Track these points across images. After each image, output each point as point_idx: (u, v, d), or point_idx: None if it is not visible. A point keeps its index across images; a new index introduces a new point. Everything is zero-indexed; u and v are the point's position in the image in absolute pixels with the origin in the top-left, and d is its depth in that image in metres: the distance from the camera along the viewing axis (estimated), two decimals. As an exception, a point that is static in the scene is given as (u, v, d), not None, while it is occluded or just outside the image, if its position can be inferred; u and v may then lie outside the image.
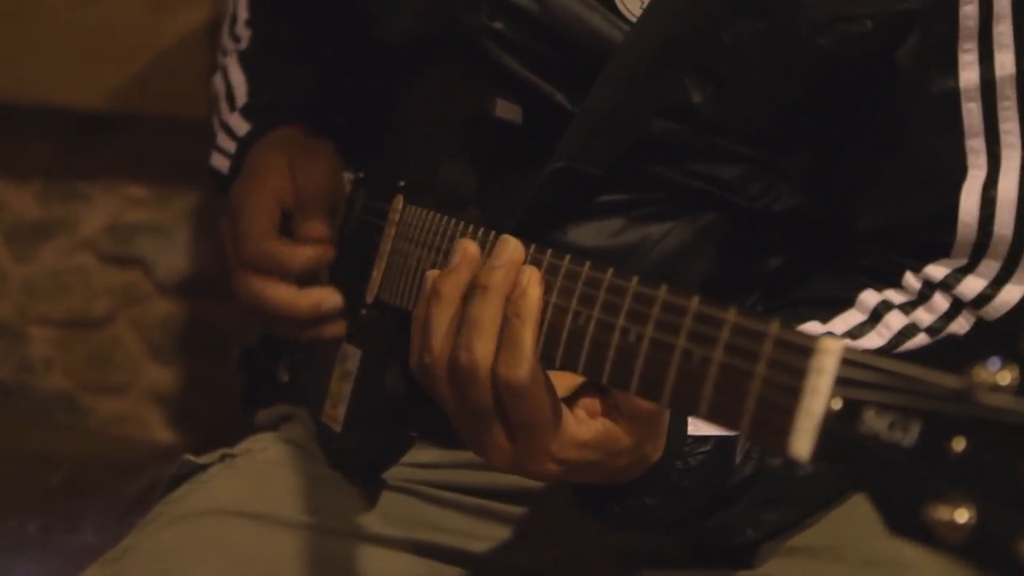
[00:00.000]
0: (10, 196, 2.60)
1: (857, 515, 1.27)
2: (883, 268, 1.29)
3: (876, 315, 1.27)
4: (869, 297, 1.28)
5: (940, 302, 1.26)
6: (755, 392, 0.86)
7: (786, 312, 1.29)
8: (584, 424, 1.06)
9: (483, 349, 1.03)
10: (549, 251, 1.07)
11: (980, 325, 1.27)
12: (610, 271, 1.01)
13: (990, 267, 1.25)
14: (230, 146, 1.58)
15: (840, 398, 0.80)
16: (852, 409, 0.79)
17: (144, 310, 2.59)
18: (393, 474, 1.41)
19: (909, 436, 0.76)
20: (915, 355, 0.78)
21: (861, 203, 1.30)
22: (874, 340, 1.26)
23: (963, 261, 1.25)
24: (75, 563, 1.43)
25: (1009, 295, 1.25)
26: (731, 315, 0.90)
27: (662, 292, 0.96)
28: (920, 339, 1.26)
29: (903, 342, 1.26)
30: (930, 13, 1.21)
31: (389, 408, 1.34)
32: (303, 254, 1.43)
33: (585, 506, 1.18)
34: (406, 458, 1.40)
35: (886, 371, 0.78)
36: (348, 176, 1.48)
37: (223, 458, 1.45)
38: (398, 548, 1.39)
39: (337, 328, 1.42)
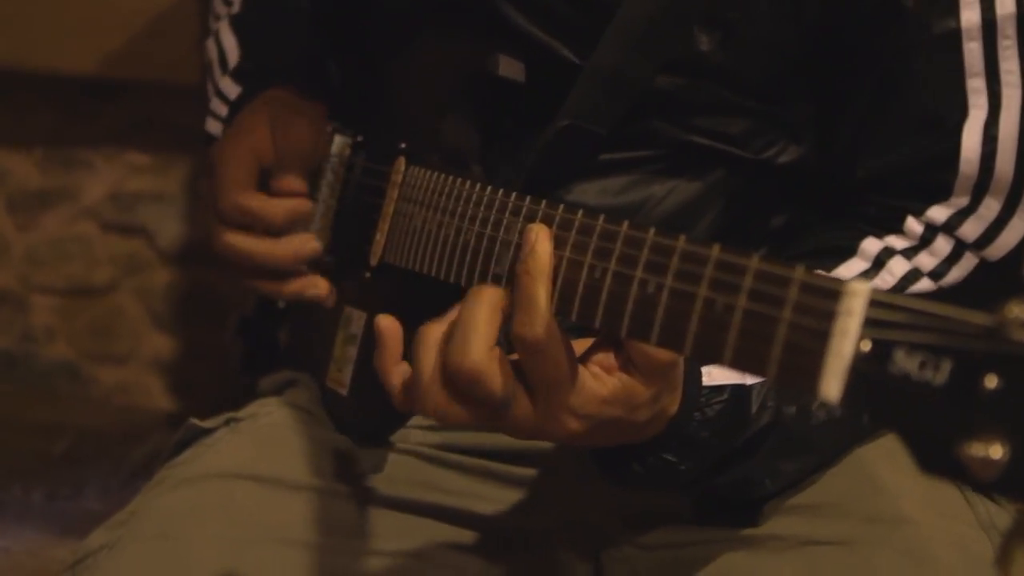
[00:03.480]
0: (12, 164, 2.59)
1: (858, 473, 1.28)
2: (884, 215, 1.30)
3: (879, 262, 1.28)
4: (871, 245, 1.28)
5: (942, 245, 1.27)
6: (781, 337, 0.85)
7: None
8: (601, 379, 1.06)
9: (480, 349, 1.03)
10: (561, 207, 1.07)
11: (983, 266, 1.27)
12: (625, 223, 1.01)
13: (991, 207, 1.25)
14: (223, 110, 1.57)
15: (869, 339, 0.79)
16: (882, 350, 0.78)
17: (146, 278, 2.59)
18: (398, 437, 1.41)
19: (940, 375, 0.75)
20: (944, 294, 0.78)
21: (863, 149, 1.31)
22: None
23: (964, 201, 1.26)
24: (79, 530, 1.43)
25: (1011, 235, 1.26)
26: (754, 262, 0.90)
27: (680, 242, 0.96)
28: (924, 284, 1.27)
29: (906, 287, 1.26)
30: None
31: None
32: (279, 206, 1.41)
33: (605, 470, 1.18)
34: (412, 421, 1.39)
35: (915, 311, 0.77)
36: (346, 140, 1.47)
37: (228, 422, 1.45)
38: (404, 510, 1.39)
39: (318, 287, 1.41)
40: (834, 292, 0.82)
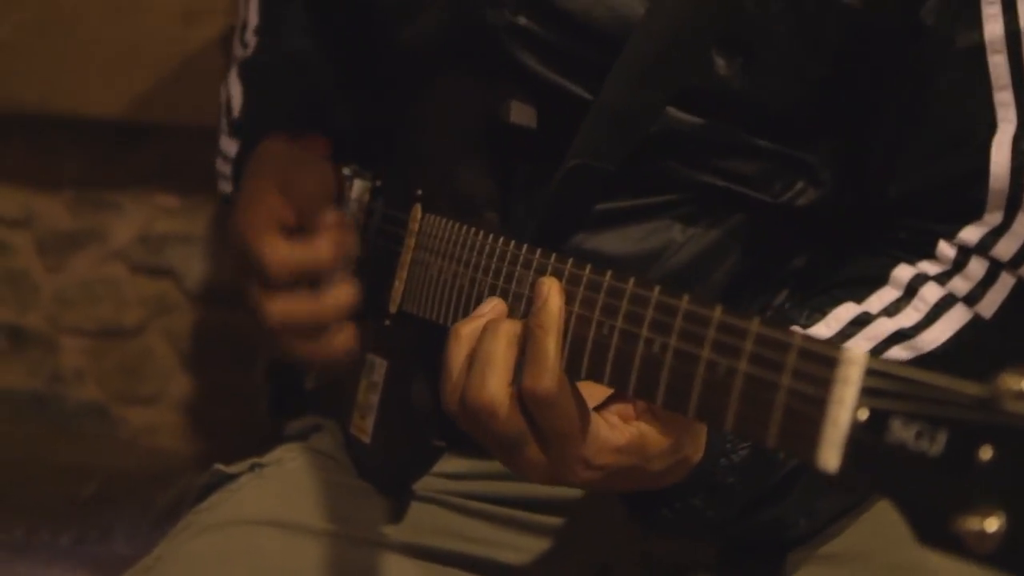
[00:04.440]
0: (42, 207, 2.61)
1: (883, 521, 1.26)
2: (915, 240, 1.28)
3: (911, 290, 1.26)
4: (903, 272, 1.27)
5: (976, 268, 1.25)
6: (781, 403, 0.85)
7: (821, 297, 1.28)
8: (617, 429, 1.06)
9: (497, 384, 1.04)
10: (570, 260, 1.07)
11: (1021, 286, 1.25)
12: (631, 281, 1.01)
13: None
14: (227, 169, 1.58)
15: (866, 408, 0.79)
16: (879, 419, 0.79)
17: (175, 320, 2.60)
18: (421, 485, 1.41)
19: (936, 445, 0.75)
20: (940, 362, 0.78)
21: (891, 173, 1.29)
22: (911, 316, 1.25)
23: (998, 219, 1.24)
24: (107, 574, 1.43)
25: None
26: (754, 325, 0.90)
27: (684, 302, 0.96)
28: (958, 310, 1.25)
29: (940, 314, 1.25)
30: None
31: (416, 419, 1.35)
32: (324, 244, 1.35)
33: (635, 513, 1.18)
34: (434, 468, 1.39)
35: (911, 380, 0.77)
36: (365, 185, 1.47)
37: (253, 468, 1.45)
38: (427, 558, 1.39)
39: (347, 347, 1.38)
40: (831, 359, 0.82)
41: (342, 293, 1.35)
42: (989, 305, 1.25)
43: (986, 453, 0.73)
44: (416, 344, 1.35)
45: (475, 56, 1.34)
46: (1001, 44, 1.21)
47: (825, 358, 0.83)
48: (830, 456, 0.81)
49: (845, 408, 0.80)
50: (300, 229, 1.38)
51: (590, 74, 1.28)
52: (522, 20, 1.31)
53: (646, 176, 1.32)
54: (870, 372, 0.80)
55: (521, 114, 1.31)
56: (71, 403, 2.64)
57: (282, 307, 1.35)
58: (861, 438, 0.79)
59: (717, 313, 0.93)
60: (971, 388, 0.74)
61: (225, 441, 2.56)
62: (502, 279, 1.15)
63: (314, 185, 1.41)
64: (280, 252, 1.36)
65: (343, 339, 1.35)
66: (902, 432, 0.77)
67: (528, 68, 1.31)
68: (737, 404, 0.89)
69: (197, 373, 2.60)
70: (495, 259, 1.17)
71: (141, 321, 2.61)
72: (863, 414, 0.79)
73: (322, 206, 1.40)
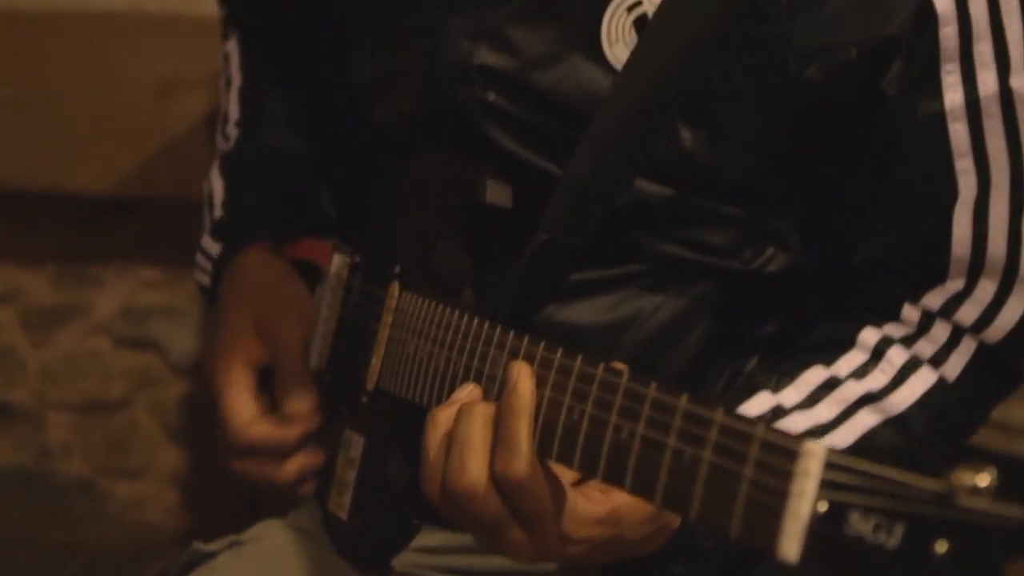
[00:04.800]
0: (25, 282, 2.61)
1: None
2: (881, 303, 1.29)
3: (878, 352, 1.27)
4: (869, 335, 1.28)
5: (940, 331, 1.27)
6: (744, 494, 0.87)
7: (790, 361, 1.29)
8: (595, 501, 1.07)
9: (477, 468, 1.05)
10: (543, 344, 1.08)
11: (983, 350, 1.27)
12: (601, 367, 1.03)
13: (986, 289, 1.25)
14: (208, 266, 1.61)
15: (826, 500, 0.81)
16: (838, 511, 0.80)
17: (160, 392, 2.60)
18: (400, 560, 1.42)
19: (893, 538, 0.77)
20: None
21: (856, 240, 1.30)
22: (879, 378, 1.26)
23: (959, 285, 1.26)
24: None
25: (1009, 315, 1.26)
26: (718, 415, 0.91)
27: (651, 390, 0.97)
28: (924, 372, 1.27)
29: (907, 376, 1.26)
30: (910, 37, 1.21)
31: (394, 495, 1.35)
32: (290, 432, 1.45)
33: None
34: (413, 543, 1.40)
35: (869, 474, 0.79)
36: (344, 259, 1.49)
37: (232, 545, 1.46)
38: (408, 633, 1.40)
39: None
40: (792, 452, 0.84)
41: (302, 464, 1.45)
42: (953, 367, 1.27)
43: (941, 547, 0.75)
44: (393, 421, 1.36)
45: (449, 134, 1.35)
46: (961, 112, 1.22)
47: (786, 451, 0.84)
48: (790, 546, 0.83)
49: (805, 500, 0.82)
50: (277, 383, 1.48)
51: (561, 149, 1.29)
52: (492, 96, 1.31)
53: (615, 247, 1.33)
54: (830, 465, 0.81)
55: (497, 193, 1.32)
56: (59, 478, 2.63)
57: (240, 465, 1.45)
58: (820, 529, 0.81)
59: (683, 402, 0.94)
60: (928, 483, 0.76)
61: (211, 514, 2.56)
62: (476, 359, 1.17)
63: (290, 336, 1.49)
64: (246, 417, 1.45)
65: (302, 490, 1.45)
66: (860, 524, 0.78)
67: (501, 145, 1.32)
68: (702, 493, 0.91)
69: (183, 445, 2.60)
70: (470, 339, 1.18)
71: (126, 394, 2.61)
72: (823, 506, 0.81)
73: (300, 361, 1.47)
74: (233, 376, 1.46)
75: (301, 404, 1.46)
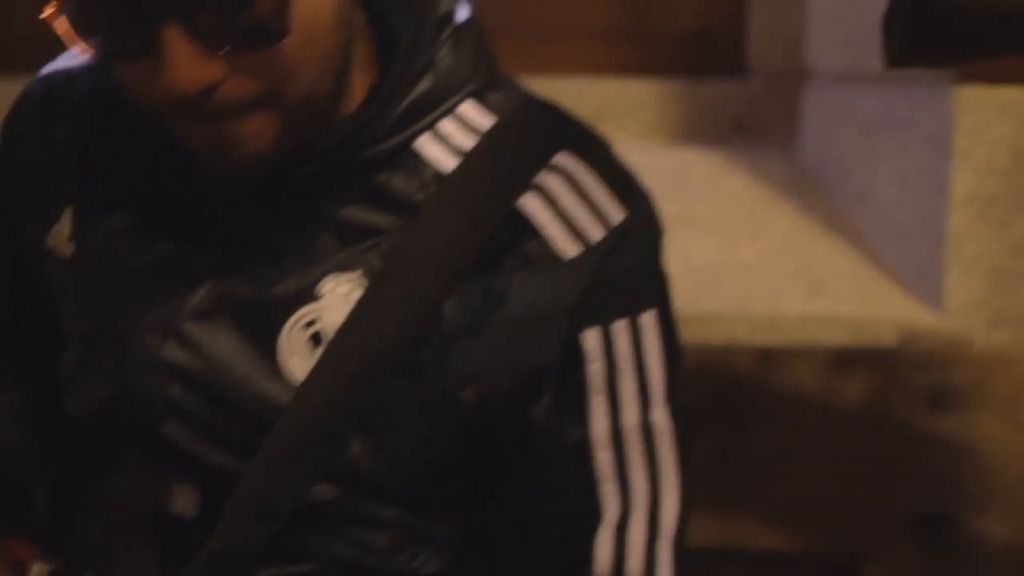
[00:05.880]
0: None
1: None
2: None
3: None
4: None
5: None
6: None
7: None
8: None
9: None
10: None
11: None
12: None
13: None
14: None
15: None
16: None
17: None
18: None
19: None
20: None
21: (508, 558, 1.32)
22: None
23: None
24: None
25: None
26: None
27: None
28: None
29: None
30: (561, 370, 1.26)
31: None
32: None
33: None
34: None
35: None
36: (43, 570, 1.46)
37: None
38: None
39: None
40: None
41: None
42: None
43: None
44: None
45: (137, 431, 1.32)
46: (607, 440, 1.27)
47: None
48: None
49: None
50: None
51: (246, 451, 1.27)
52: (175, 392, 1.29)
53: (288, 548, 1.30)
54: None
55: (183, 501, 1.30)
56: None
57: None
58: None
59: None
60: None
61: None
62: None
63: None
64: None
65: None
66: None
67: (183, 444, 1.29)
68: None
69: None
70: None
71: None
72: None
73: None
74: None
75: None
